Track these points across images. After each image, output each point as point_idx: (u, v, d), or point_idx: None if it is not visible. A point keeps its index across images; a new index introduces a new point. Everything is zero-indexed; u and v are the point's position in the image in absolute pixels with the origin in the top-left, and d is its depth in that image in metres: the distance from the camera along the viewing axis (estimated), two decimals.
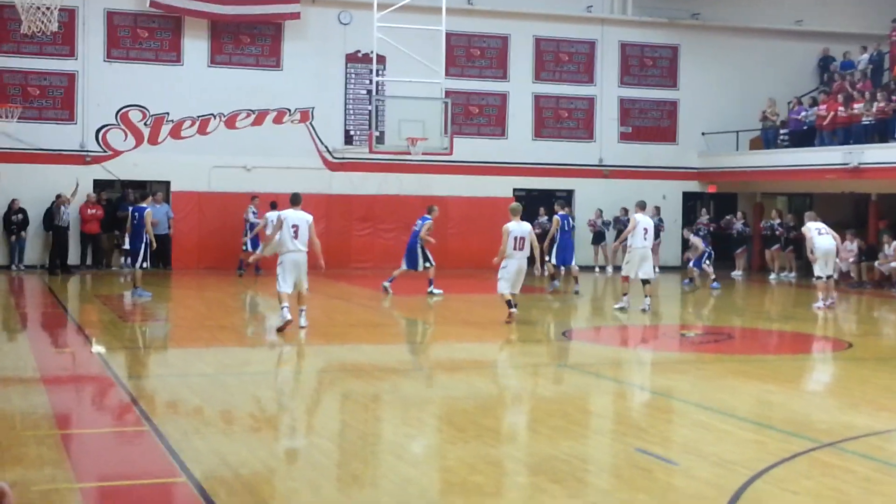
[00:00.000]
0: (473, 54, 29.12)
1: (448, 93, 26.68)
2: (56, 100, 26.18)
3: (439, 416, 10.29)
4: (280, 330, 14.88)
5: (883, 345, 16.78)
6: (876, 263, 24.80)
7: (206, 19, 27.03)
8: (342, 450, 8.86)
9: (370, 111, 26.88)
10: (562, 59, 29.88)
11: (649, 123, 30.57)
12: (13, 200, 25.36)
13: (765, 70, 30.36)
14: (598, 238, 28.72)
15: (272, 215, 21.68)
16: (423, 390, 11.94)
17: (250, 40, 27.59)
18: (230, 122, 27.33)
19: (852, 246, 25.25)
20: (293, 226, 14.99)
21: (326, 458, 8.52)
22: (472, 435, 9.21)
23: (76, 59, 26.22)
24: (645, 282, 18.76)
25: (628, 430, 9.61)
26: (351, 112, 28.24)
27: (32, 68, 25.92)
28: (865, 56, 29.49)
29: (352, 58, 28.00)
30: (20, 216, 25.32)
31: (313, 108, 27.82)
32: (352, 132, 28.22)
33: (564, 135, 29.87)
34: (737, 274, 27.73)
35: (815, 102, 28.28)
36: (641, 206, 19.22)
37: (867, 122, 25.77)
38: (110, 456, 8.55)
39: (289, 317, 14.79)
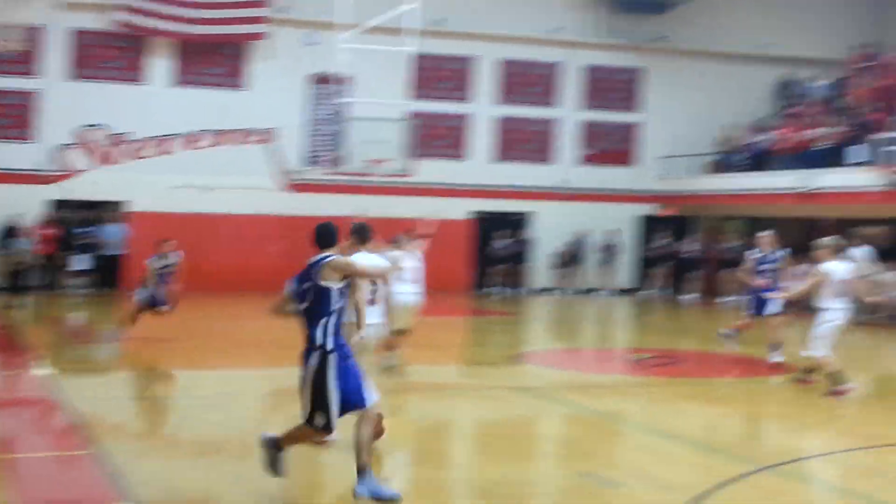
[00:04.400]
0: (438, 76, 29.24)
1: (412, 114, 26.72)
2: (15, 118, 26.07)
3: (386, 440, 10.33)
4: None
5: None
6: (738, 273, 25.06)
7: (173, 39, 27.03)
8: (289, 474, 8.87)
9: (333, 132, 26.90)
10: (525, 82, 30.08)
11: (609, 146, 30.81)
12: None
13: (725, 94, 30.59)
14: (571, 261, 28.95)
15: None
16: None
17: (216, 60, 27.59)
18: (193, 141, 27.28)
19: (801, 270, 25.52)
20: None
21: (273, 483, 8.54)
22: (417, 459, 9.27)
23: (38, 77, 26.13)
24: None
25: (576, 454, 9.70)
26: (314, 133, 28.28)
27: None
28: (824, 82, 29.91)
29: (317, 79, 28.06)
30: None
31: (277, 128, 27.84)
32: (314, 153, 28.25)
33: (525, 157, 30.06)
34: (690, 297, 27.97)
35: (772, 127, 28.63)
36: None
37: (823, 147, 26.10)
38: (50, 481, 8.52)
39: None
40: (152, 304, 16.58)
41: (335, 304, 7.63)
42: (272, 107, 27.67)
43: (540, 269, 29.19)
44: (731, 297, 27.24)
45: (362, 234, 10.02)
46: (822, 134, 26.36)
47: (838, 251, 13.24)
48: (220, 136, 27.46)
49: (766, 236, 15.84)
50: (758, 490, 8.51)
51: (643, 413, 12.00)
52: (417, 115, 27.59)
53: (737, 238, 28.33)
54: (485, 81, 29.61)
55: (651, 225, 30.45)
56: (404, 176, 25.80)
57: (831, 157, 25.53)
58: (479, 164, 29.52)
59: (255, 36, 27.42)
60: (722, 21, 30.56)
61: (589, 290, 29.15)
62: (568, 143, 30.35)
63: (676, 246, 28.99)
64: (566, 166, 30.22)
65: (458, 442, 10.53)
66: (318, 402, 7.55)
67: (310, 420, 7.62)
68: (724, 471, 8.93)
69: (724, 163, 29.52)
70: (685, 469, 9.19)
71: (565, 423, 11.70)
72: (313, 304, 7.64)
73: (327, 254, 7.85)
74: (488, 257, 28.82)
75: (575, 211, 29.29)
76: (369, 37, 24.13)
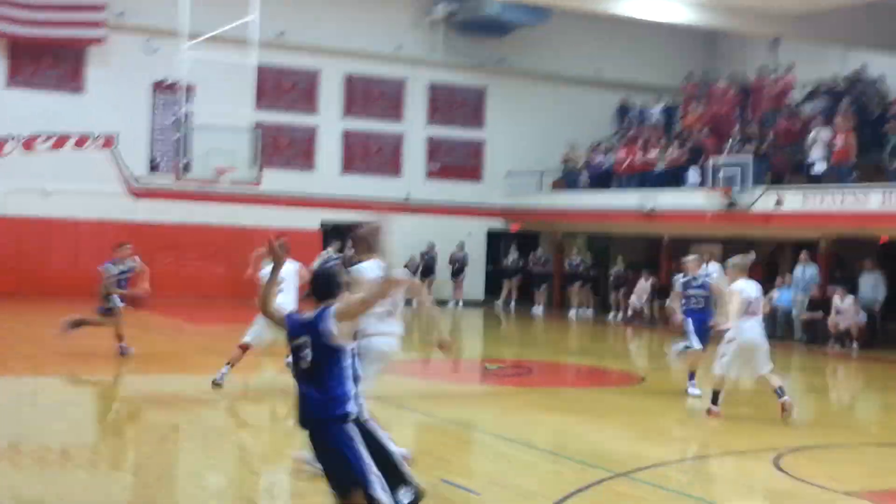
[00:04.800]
0: (284, 87, 29.08)
1: (258, 125, 26.52)
2: None
3: (241, 446, 10.18)
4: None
5: (673, 379, 17.51)
6: (667, 302, 25.91)
7: (5, 40, 26.09)
8: (141, 482, 8.65)
9: (177, 140, 26.41)
10: (371, 97, 30.18)
11: (456, 162, 31.16)
12: None
13: (567, 115, 31.38)
14: (423, 273, 29.08)
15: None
16: (226, 420, 11.78)
17: (51, 63, 26.76)
18: (28, 144, 26.37)
19: (646, 284, 26.39)
20: None
21: (125, 490, 8.31)
22: (273, 464, 9.16)
23: None
24: None
25: (433, 462, 9.73)
26: (157, 140, 27.71)
27: None
28: (659, 107, 30.97)
29: (159, 86, 27.50)
30: None
31: (118, 133, 27.15)
32: (157, 160, 27.66)
33: (373, 170, 30.13)
34: (537, 310, 28.52)
35: (613, 148, 29.51)
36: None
37: (661, 170, 27.07)
38: None
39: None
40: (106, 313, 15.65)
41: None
42: (113, 112, 27.02)
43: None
44: (576, 310, 27.98)
45: (371, 240, 8.31)
46: (659, 156, 27.30)
47: (742, 270, 12.45)
48: (57, 139, 26.62)
49: (692, 260, 14.40)
50: (612, 496, 8.70)
51: (496, 422, 12.13)
52: (264, 126, 27.34)
53: (581, 253, 29.20)
54: (331, 94, 29.64)
55: (498, 239, 30.92)
56: (251, 185, 25.53)
57: (670, 179, 26.51)
58: (327, 175, 29.49)
59: (93, 41, 26.77)
60: (559, 46, 31.41)
61: (440, 302, 29.33)
62: (415, 157, 30.60)
63: (524, 260, 29.64)
64: (413, 180, 30.47)
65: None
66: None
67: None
68: (579, 478, 9.09)
69: (568, 181, 30.23)
70: (540, 477, 9.33)
71: (418, 431, 11.72)
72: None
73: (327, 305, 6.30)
74: None
75: (422, 224, 29.46)
76: (212, 46, 23.85)
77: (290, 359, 6.54)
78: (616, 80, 32.03)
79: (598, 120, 31.83)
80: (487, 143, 31.47)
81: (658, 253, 27.69)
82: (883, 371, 19.70)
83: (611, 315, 27.46)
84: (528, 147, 31.00)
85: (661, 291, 26.54)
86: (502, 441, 10.82)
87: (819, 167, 23.46)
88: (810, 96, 27.20)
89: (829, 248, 23.42)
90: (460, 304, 29.41)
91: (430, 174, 30.79)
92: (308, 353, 6.12)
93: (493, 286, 30.66)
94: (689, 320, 13.97)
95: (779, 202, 22.76)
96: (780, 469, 9.86)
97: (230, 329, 20.23)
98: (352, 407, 6.18)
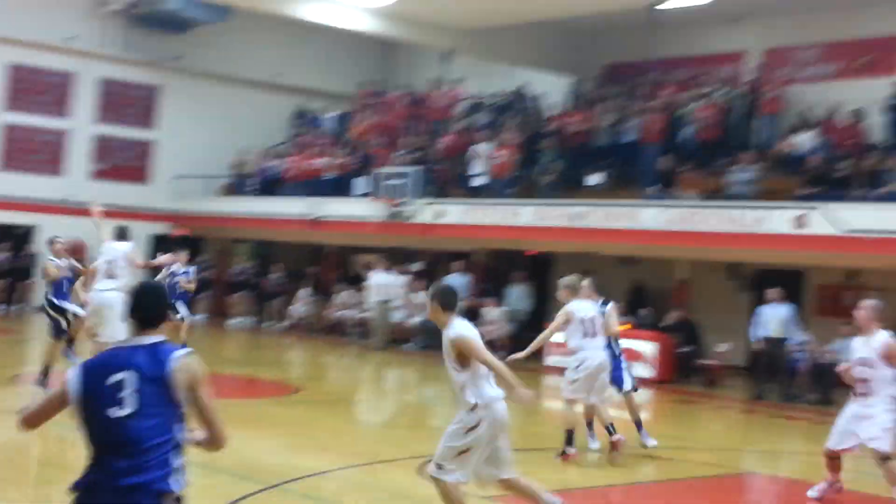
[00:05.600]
0: None
1: None
2: None
3: None
4: None
5: (330, 389, 17.90)
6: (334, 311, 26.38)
7: None
8: None
9: None
10: (36, 89, 28.74)
11: (126, 162, 30.23)
12: None
13: (242, 119, 31.11)
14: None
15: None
16: None
17: None
18: None
19: (306, 293, 26.73)
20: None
21: None
22: None
23: None
24: None
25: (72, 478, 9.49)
26: None
27: None
28: (333, 114, 31.41)
29: None
30: None
31: None
32: None
33: (33, 168, 28.71)
34: (199, 317, 28.12)
35: (285, 154, 29.60)
36: None
37: (329, 178, 27.38)
38: None
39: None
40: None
41: None
42: None
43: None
44: (238, 319, 27.80)
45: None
46: (329, 164, 27.62)
47: (574, 290, 11.46)
48: None
49: (585, 286, 12.38)
50: None
51: None
52: None
53: (246, 261, 29.05)
54: None
55: (164, 244, 30.21)
56: None
57: (338, 188, 26.87)
58: None
59: None
60: (239, 47, 31.12)
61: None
62: (80, 156, 29.43)
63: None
64: (77, 180, 29.25)
65: None
66: None
67: None
68: (230, 491, 9.11)
69: (237, 186, 30.05)
70: (193, 492, 9.28)
71: (58, 444, 11.33)
72: None
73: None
74: None
75: (83, 226, 28.33)
76: None
77: None
78: (294, 86, 32.13)
79: (275, 125, 31.83)
80: (159, 144, 30.71)
81: (320, 261, 28.05)
82: (524, 379, 20.75)
83: (268, 323, 27.50)
84: (201, 150, 30.46)
85: (322, 299, 26.97)
86: None
87: (479, 180, 24.53)
88: (474, 110, 28.40)
89: (483, 260, 24.60)
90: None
91: (96, 174, 29.69)
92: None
93: None
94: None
95: (439, 214, 23.64)
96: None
97: None
98: None
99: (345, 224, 25.63)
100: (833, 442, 9.91)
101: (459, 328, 7.56)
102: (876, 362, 9.49)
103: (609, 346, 11.91)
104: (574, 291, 11.53)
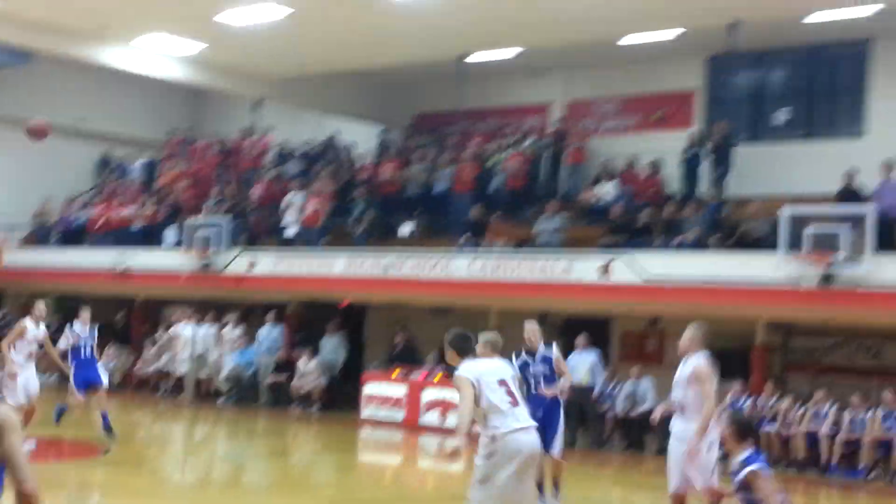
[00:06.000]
0: None
1: None
2: None
3: None
4: None
5: (138, 449, 17.34)
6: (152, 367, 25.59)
7: None
8: None
9: None
10: None
11: None
12: None
13: (46, 166, 29.75)
14: None
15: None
16: None
17: None
18: None
19: (113, 348, 25.90)
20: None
21: None
22: None
23: None
24: None
25: None
26: None
27: None
28: (141, 161, 30.70)
29: None
30: None
31: None
32: None
33: None
34: None
35: (90, 203, 28.72)
36: None
37: (138, 228, 26.73)
38: None
39: None
40: None
41: None
42: None
43: None
44: (41, 376, 26.57)
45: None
46: (137, 213, 26.97)
47: (495, 347, 9.11)
48: None
49: (531, 329, 11.97)
50: None
51: None
52: None
53: (49, 316, 27.83)
54: None
55: None
56: None
57: (147, 238, 26.26)
58: None
59: None
60: (42, 92, 30.02)
61: None
62: None
63: None
64: None
65: None
66: None
67: None
68: None
69: (40, 237, 28.97)
70: None
71: None
72: None
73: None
74: None
75: None
76: None
77: None
78: (99, 132, 31.20)
79: (79, 172, 30.89)
80: None
81: (131, 315, 27.29)
82: (341, 432, 20.75)
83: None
84: (1, 198, 29.25)
85: (131, 354, 26.19)
86: None
87: (291, 230, 24.40)
88: (284, 159, 28.28)
89: (297, 310, 24.42)
90: None
91: None
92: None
93: None
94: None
95: (251, 265, 23.36)
96: None
97: None
98: None
99: (155, 276, 25.02)
100: (673, 485, 9.69)
101: (461, 367, 7.97)
102: (688, 384, 9.65)
103: None
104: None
